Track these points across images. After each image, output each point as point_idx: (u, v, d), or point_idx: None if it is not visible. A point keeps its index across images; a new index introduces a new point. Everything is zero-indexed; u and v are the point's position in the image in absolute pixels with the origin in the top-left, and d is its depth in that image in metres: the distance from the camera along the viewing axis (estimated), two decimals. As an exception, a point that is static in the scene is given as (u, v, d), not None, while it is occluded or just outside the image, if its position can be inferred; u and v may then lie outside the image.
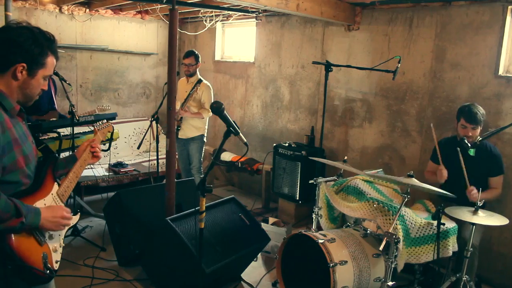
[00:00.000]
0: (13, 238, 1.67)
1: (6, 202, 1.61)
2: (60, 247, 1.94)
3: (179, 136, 5.19)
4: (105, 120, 2.50)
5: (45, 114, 4.71)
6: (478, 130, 3.47)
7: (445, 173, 3.53)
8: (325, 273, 2.96)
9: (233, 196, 3.95)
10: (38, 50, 1.76)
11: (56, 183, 1.97)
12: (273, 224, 4.63)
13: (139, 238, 3.83)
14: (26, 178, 1.81)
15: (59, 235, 1.92)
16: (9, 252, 1.65)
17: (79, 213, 2.09)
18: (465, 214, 2.99)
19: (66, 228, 1.93)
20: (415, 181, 2.96)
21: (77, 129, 4.36)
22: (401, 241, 2.99)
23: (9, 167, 1.70)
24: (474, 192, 3.31)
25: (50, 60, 1.83)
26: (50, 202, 1.90)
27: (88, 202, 5.45)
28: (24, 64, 1.74)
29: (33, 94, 1.84)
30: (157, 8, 5.74)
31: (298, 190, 5.05)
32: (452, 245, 3.23)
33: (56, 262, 1.89)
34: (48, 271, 1.77)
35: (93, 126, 2.49)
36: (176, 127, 5.05)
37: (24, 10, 5.68)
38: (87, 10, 6.19)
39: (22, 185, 1.79)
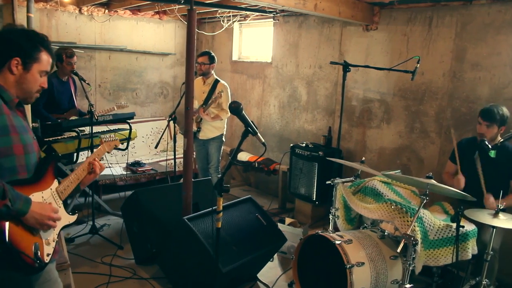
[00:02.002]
0: (9, 224, 1.71)
1: None
2: (53, 241, 1.95)
3: (199, 137, 5.22)
4: (113, 134, 2.56)
5: (65, 112, 4.79)
6: (494, 129, 3.40)
7: (462, 182, 3.47)
8: (342, 274, 2.94)
9: (250, 196, 3.95)
10: (30, 44, 1.88)
11: (56, 180, 2.02)
12: (289, 224, 4.63)
13: (156, 237, 3.85)
14: (23, 168, 1.86)
15: (53, 229, 1.93)
16: (0, 236, 1.67)
17: (77, 214, 2.12)
18: (485, 216, 2.94)
19: (58, 228, 1.95)
20: (434, 183, 2.92)
21: (96, 128, 4.41)
22: (419, 243, 2.96)
23: (4, 150, 1.77)
24: (491, 201, 3.25)
25: (44, 56, 1.93)
26: (48, 196, 1.94)
27: (106, 200, 5.52)
28: (18, 58, 1.85)
29: (31, 90, 1.93)
30: (175, 8, 5.77)
31: (315, 190, 5.03)
32: (471, 248, 3.18)
33: (48, 255, 1.89)
34: (38, 261, 1.78)
35: (100, 137, 2.57)
36: (196, 128, 5.09)
37: (45, 12, 5.77)
38: (106, 11, 6.26)
39: (18, 174, 1.84)
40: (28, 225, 1.79)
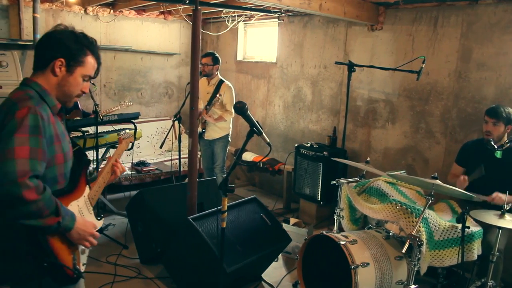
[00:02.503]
0: (51, 237, 1.70)
1: (50, 196, 1.63)
2: (87, 249, 1.95)
3: (205, 138, 5.23)
4: (127, 130, 2.54)
5: (69, 113, 4.80)
6: (501, 127, 3.39)
7: (465, 184, 3.45)
8: (347, 275, 2.94)
9: (254, 196, 3.95)
10: (76, 46, 1.82)
11: (88, 186, 1.99)
12: (294, 224, 4.62)
13: (161, 236, 3.86)
14: (62, 177, 1.83)
15: None
16: (46, 250, 1.67)
17: (103, 218, 2.09)
18: (491, 217, 2.93)
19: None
20: (439, 183, 2.91)
21: (101, 128, 4.42)
22: (424, 244, 2.95)
23: (49, 160, 1.72)
24: (498, 196, 3.23)
25: (90, 60, 1.88)
26: (82, 205, 1.91)
27: (111, 200, 5.53)
28: (63, 59, 1.79)
29: (71, 93, 1.87)
30: (180, 8, 5.77)
31: (319, 191, 5.03)
32: (477, 249, 3.16)
33: (83, 264, 1.91)
34: (76, 272, 1.78)
35: (118, 135, 2.51)
36: (201, 129, 5.10)
37: (51, 12, 5.79)
38: (112, 11, 6.28)
39: (57, 183, 1.80)
40: (70, 239, 1.79)
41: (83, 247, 1.91)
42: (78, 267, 1.82)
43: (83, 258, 1.92)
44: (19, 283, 1.78)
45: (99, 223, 2.02)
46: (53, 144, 1.73)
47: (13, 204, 1.53)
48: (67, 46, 1.80)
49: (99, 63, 1.93)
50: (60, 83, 1.82)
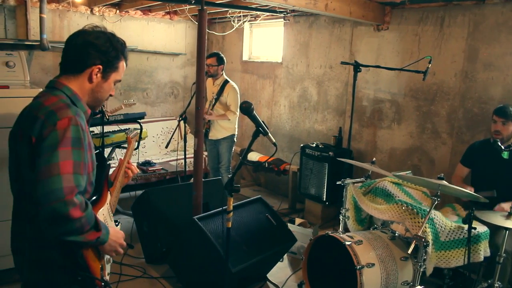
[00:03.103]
0: (84, 251, 1.67)
1: (91, 212, 1.58)
2: (111, 258, 1.92)
3: (209, 137, 5.24)
4: (133, 128, 2.51)
5: None
6: (510, 127, 3.38)
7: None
8: (352, 275, 2.93)
9: (260, 196, 3.95)
10: (114, 53, 1.78)
11: (109, 192, 1.94)
12: (299, 225, 4.62)
13: (166, 236, 3.87)
14: (90, 186, 1.76)
15: None
16: (81, 263, 1.64)
17: (120, 224, 2.04)
18: (497, 218, 2.91)
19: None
20: (445, 184, 2.90)
21: (107, 128, 4.43)
22: (430, 244, 2.94)
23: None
24: (501, 207, 3.22)
25: (122, 64, 1.84)
26: (106, 212, 1.86)
27: (116, 199, 5.54)
28: (101, 66, 1.75)
29: (103, 98, 1.84)
30: (186, 9, 5.78)
31: (325, 191, 5.02)
32: (483, 250, 3.14)
33: (108, 274, 1.89)
34: (103, 283, 1.75)
35: (126, 134, 2.48)
36: (205, 130, 5.11)
37: (57, 12, 5.82)
38: (117, 11, 6.30)
39: (86, 192, 1.72)
40: (103, 252, 1.77)
41: (108, 257, 1.88)
42: (105, 278, 1.79)
43: (108, 268, 1.90)
44: None
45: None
46: (88, 153, 1.67)
47: (59, 222, 1.47)
48: (106, 53, 1.75)
49: (127, 65, 1.90)
50: (94, 89, 1.78)
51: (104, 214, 1.83)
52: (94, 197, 1.81)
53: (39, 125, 1.58)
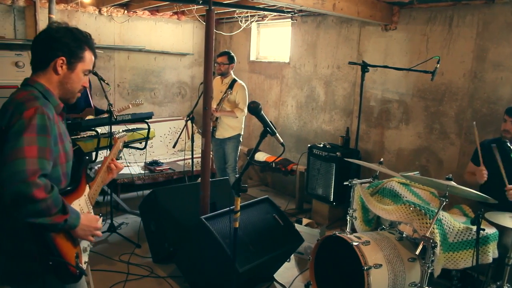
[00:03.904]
0: (55, 236, 1.72)
1: (58, 194, 1.64)
2: (88, 247, 1.97)
3: (216, 136, 5.24)
4: (121, 130, 2.56)
5: (82, 112, 4.84)
6: None
7: (485, 173, 3.41)
8: (359, 276, 2.92)
9: (267, 196, 3.95)
10: (75, 44, 1.84)
11: (88, 185, 2.02)
12: (306, 225, 4.61)
13: (173, 236, 3.88)
14: (64, 176, 1.85)
15: None
16: (52, 248, 1.69)
17: (101, 217, 2.08)
18: (506, 219, 2.89)
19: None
20: (454, 184, 2.88)
21: (115, 128, 4.45)
22: (438, 245, 2.92)
23: (53, 161, 1.73)
24: None
25: (88, 55, 1.90)
26: (83, 203, 1.94)
27: (124, 199, 5.57)
28: (64, 58, 1.82)
29: (74, 89, 1.90)
30: (194, 9, 5.80)
31: (332, 191, 5.01)
32: (492, 252, 3.12)
33: (85, 262, 1.92)
34: (79, 270, 1.80)
35: (113, 134, 2.56)
36: (212, 128, 5.11)
37: (66, 13, 5.85)
38: (125, 11, 6.32)
39: (60, 183, 1.82)
40: (75, 237, 1.82)
41: (85, 246, 1.93)
42: (80, 265, 1.83)
43: (85, 256, 1.93)
44: (22, 283, 1.80)
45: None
46: (57, 144, 1.75)
47: (23, 202, 1.54)
48: (66, 44, 1.81)
49: (95, 56, 1.96)
50: (62, 81, 1.85)
51: (80, 204, 1.91)
52: (69, 188, 1.88)
53: (8, 115, 1.67)
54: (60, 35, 1.81)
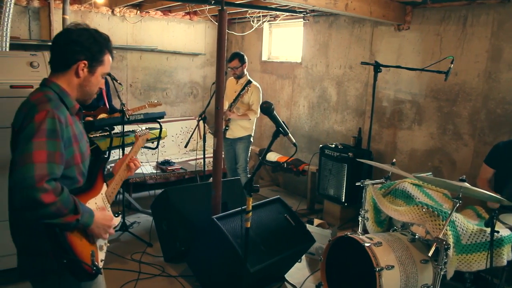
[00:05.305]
0: (69, 234, 1.74)
1: (68, 196, 1.66)
2: (105, 245, 1.98)
3: (227, 136, 5.25)
4: (144, 128, 2.56)
5: (95, 110, 4.88)
6: None
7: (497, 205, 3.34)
8: (371, 277, 2.91)
9: (278, 196, 3.94)
10: (97, 48, 1.86)
11: (105, 183, 2.03)
12: (318, 225, 4.60)
13: (185, 235, 3.89)
14: (81, 176, 1.87)
15: None
16: (66, 247, 1.71)
17: (120, 216, 2.12)
18: (521, 221, 2.86)
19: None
20: (467, 186, 2.85)
21: (127, 127, 4.48)
22: (451, 247, 2.90)
23: (68, 161, 1.75)
24: None
25: (107, 58, 1.92)
26: (100, 202, 1.95)
27: (136, 198, 5.61)
28: (86, 62, 1.83)
29: (92, 92, 1.93)
30: (206, 9, 5.81)
31: (344, 192, 4.99)
32: (506, 254, 3.08)
33: (101, 260, 1.94)
34: (95, 268, 1.81)
35: (134, 132, 2.56)
36: (224, 127, 5.11)
37: (79, 13, 5.90)
38: (138, 12, 6.36)
39: (77, 182, 1.85)
40: (91, 234, 1.84)
41: (101, 244, 1.94)
42: (96, 263, 1.84)
43: (102, 255, 1.94)
44: (39, 278, 1.83)
45: (116, 220, 2.04)
46: (72, 146, 1.77)
47: (33, 207, 1.56)
48: (89, 48, 1.83)
49: (113, 59, 1.98)
50: (82, 84, 1.87)
51: (97, 203, 1.93)
52: (85, 186, 1.91)
53: (21, 117, 1.71)
54: (83, 38, 1.82)
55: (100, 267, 1.90)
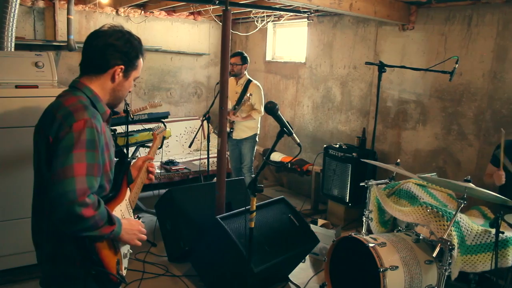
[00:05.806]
0: (99, 245, 1.71)
1: (104, 208, 1.63)
2: (128, 252, 1.96)
3: (233, 137, 5.26)
4: (162, 125, 2.54)
5: None
6: None
7: (503, 177, 3.36)
8: (375, 278, 2.91)
9: (283, 196, 3.94)
10: (134, 53, 1.83)
11: (128, 188, 1.99)
12: (322, 226, 4.59)
13: (189, 235, 3.89)
14: (108, 183, 1.83)
15: None
16: (95, 259, 1.69)
17: (141, 218, 2.07)
18: (526, 222, 2.84)
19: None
20: (472, 186, 2.84)
21: (131, 127, 4.49)
22: (455, 248, 2.89)
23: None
24: None
25: (141, 62, 1.89)
26: (124, 208, 1.92)
27: (140, 198, 5.55)
28: (123, 66, 1.80)
29: (123, 96, 1.89)
30: (210, 9, 5.82)
31: (348, 192, 4.98)
32: (511, 255, 3.07)
33: (125, 268, 1.92)
34: (120, 277, 1.79)
35: (152, 130, 2.53)
36: (229, 129, 5.12)
37: (84, 13, 5.92)
38: (142, 12, 6.37)
39: (105, 190, 1.81)
40: (121, 242, 1.81)
41: (125, 252, 1.92)
42: (121, 272, 1.83)
43: (125, 262, 1.92)
44: (63, 287, 1.79)
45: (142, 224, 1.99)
46: (104, 154, 1.72)
47: (73, 222, 1.54)
48: (127, 54, 1.79)
49: (143, 61, 1.94)
50: (115, 88, 1.83)
51: (122, 210, 1.88)
52: (111, 194, 1.85)
53: (57, 125, 1.63)
54: (121, 43, 1.78)
55: (124, 275, 1.88)
